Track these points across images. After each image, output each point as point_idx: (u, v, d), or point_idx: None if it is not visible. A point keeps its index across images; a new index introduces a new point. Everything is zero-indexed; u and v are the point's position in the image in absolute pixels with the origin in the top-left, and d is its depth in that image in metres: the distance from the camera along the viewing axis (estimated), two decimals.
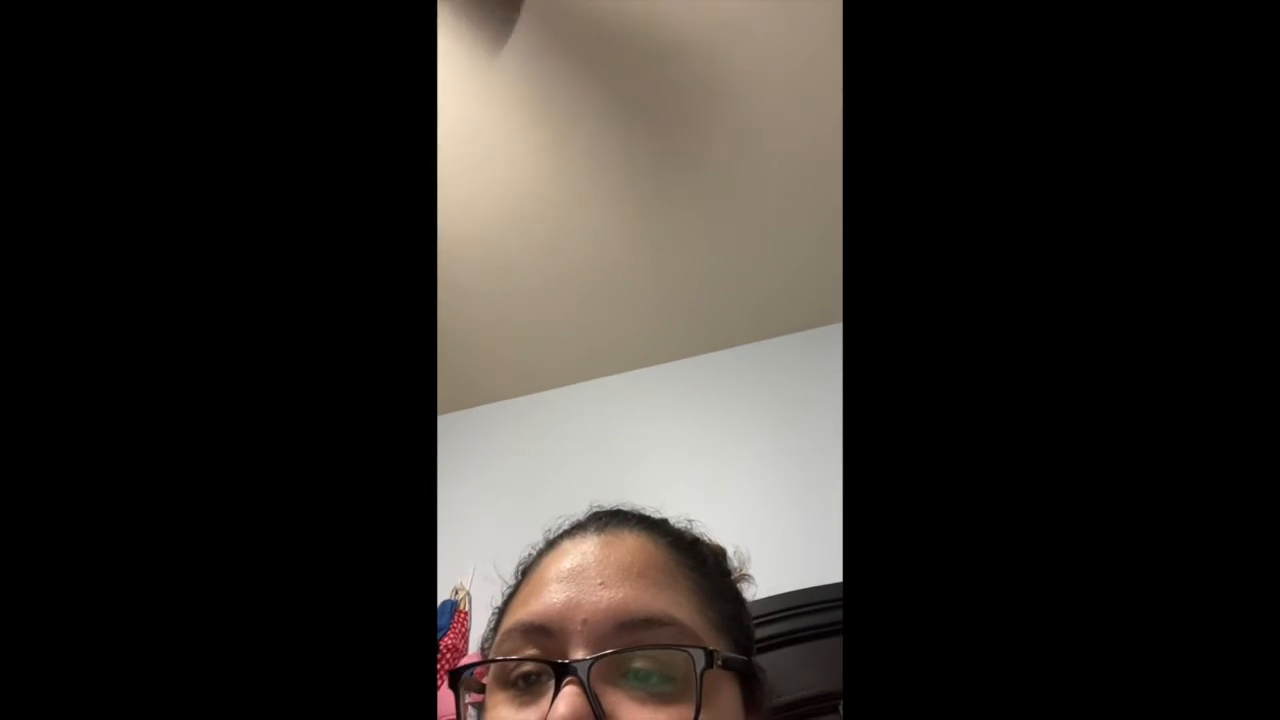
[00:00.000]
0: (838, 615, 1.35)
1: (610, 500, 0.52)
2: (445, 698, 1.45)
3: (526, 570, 0.49)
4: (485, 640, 0.50)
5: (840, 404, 1.51)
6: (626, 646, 0.40)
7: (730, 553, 0.51)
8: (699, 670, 0.39)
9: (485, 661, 0.43)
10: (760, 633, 0.50)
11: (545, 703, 0.38)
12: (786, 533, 1.53)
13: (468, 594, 1.67)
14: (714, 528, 0.52)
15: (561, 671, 0.38)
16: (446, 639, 1.56)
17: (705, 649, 0.40)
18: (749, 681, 0.43)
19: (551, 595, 0.42)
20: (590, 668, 0.38)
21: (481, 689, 0.43)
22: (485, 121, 1.49)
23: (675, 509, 0.52)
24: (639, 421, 1.88)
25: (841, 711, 1.30)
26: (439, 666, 1.50)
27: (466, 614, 1.63)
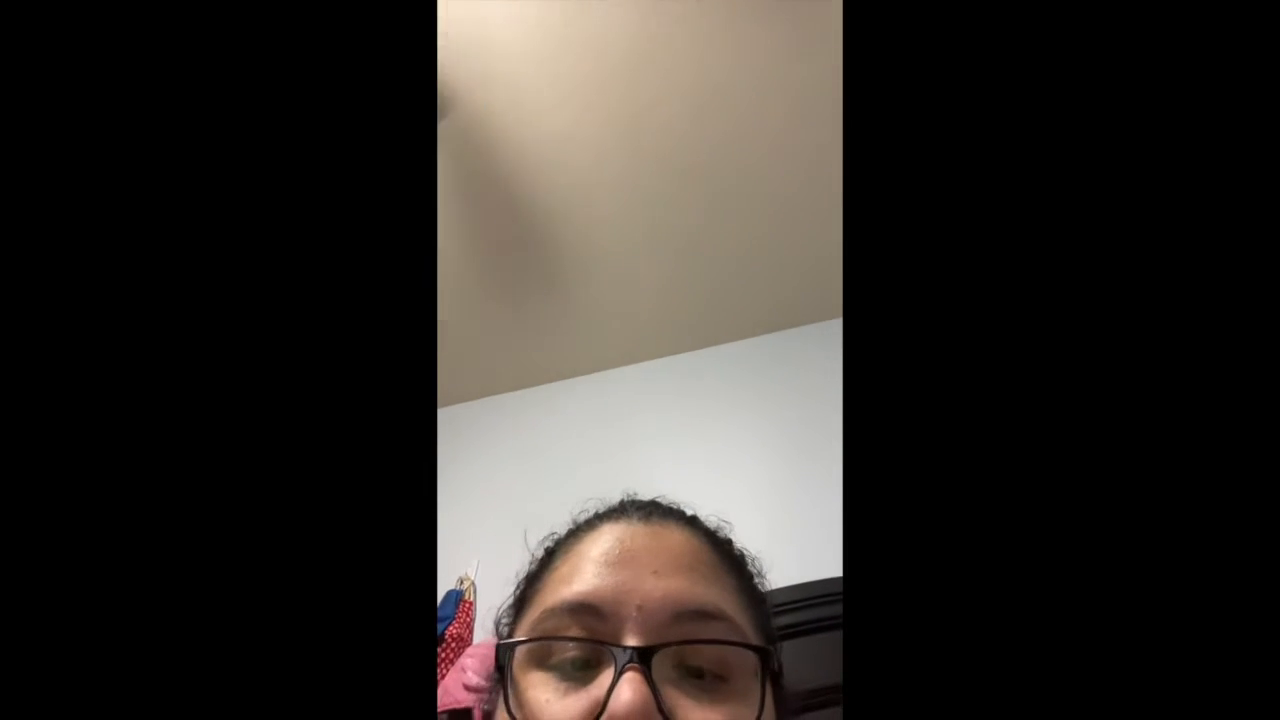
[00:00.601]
0: (838, 609, 1.35)
1: (636, 492, 0.51)
2: (446, 688, 1.44)
3: (555, 550, 0.47)
4: (503, 615, 0.48)
5: (840, 399, 1.50)
6: (692, 638, 0.38)
7: (752, 557, 0.50)
8: (761, 671, 0.39)
9: (542, 639, 0.40)
10: None
11: (596, 688, 0.36)
12: (787, 527, 1.53)
13: (473, 584, 1.68)
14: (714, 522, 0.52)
15: (624, 656, 0.36)
16: (452, 628, 1.57)
17: (768, 649, 0.39)
18: (777, 683, 0.43)
19: (600, 576, 0.41)
20: (653, 655, 0.37)
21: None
22: None
23: (677, 502, 0.51)
24: (641, 414, 1.89)
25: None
26: (444, 656, 1.51)
27: (471, 604, 1.64)
